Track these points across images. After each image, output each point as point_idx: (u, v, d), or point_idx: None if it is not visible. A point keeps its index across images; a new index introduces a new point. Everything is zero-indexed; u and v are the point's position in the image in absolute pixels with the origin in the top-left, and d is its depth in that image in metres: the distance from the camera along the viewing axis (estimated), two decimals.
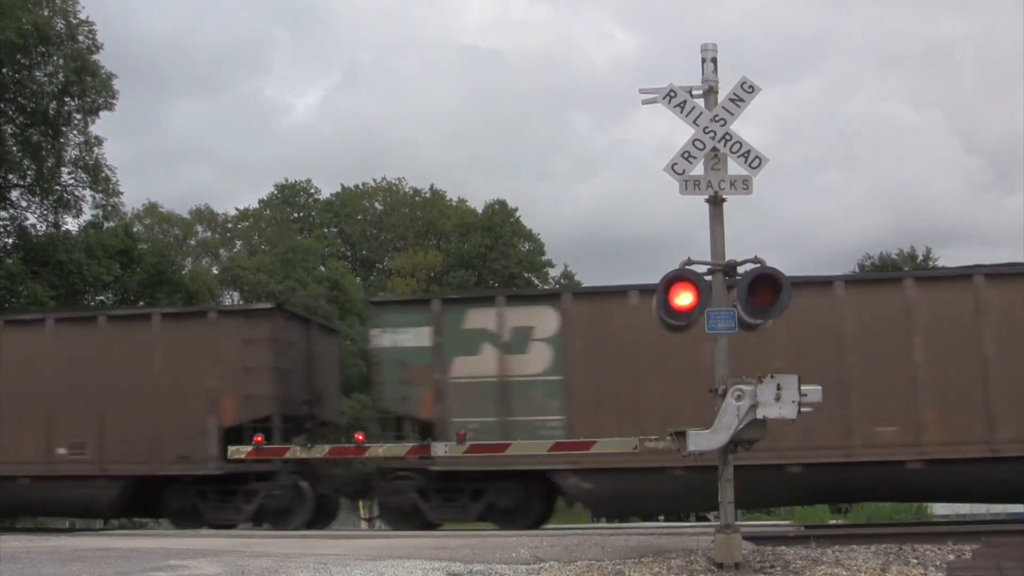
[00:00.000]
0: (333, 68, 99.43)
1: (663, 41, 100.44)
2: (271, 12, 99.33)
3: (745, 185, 9.11)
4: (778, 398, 8.43)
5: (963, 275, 16.27)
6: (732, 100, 9.17)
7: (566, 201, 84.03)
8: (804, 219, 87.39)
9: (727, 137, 9.10)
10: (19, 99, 30.32)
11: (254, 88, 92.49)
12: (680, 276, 8.74)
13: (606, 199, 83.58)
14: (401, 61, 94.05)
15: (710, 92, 9.25)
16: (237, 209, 60.72)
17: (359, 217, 61.10)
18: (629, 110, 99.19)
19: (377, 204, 62.06)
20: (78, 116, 31.29)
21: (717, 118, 9.13)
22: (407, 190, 61.64)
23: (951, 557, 9.36)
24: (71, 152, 31.78)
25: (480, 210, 57.38)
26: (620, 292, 16.62)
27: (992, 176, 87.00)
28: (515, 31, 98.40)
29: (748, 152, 9.08)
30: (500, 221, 55.47)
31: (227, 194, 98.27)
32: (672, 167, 9.13)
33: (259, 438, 11.48)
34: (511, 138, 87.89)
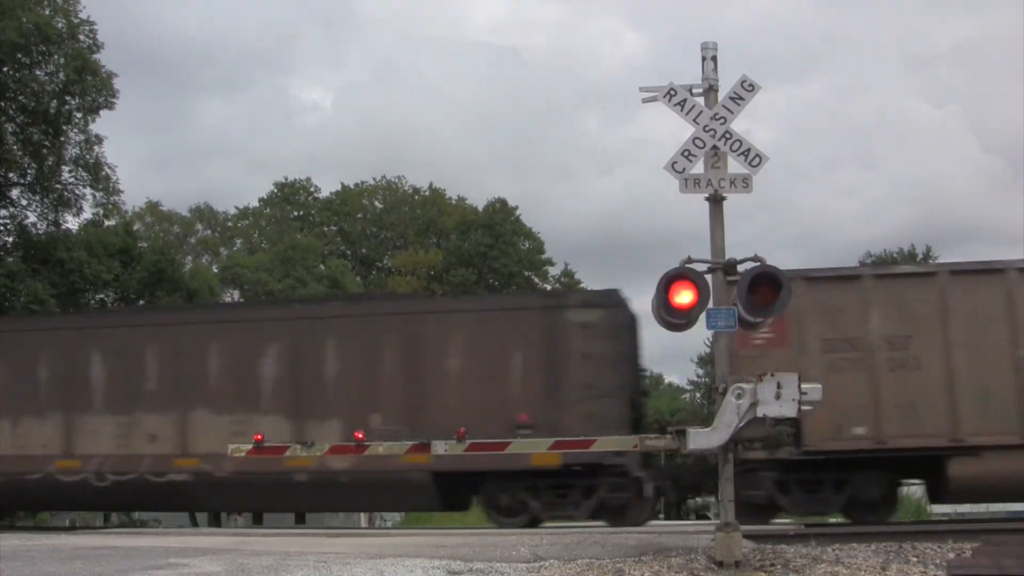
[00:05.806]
0: (349, 67, 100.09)
1: (673, 40, 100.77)
2: (288, 11, 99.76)
3: (745, 183, 9.11)
4: (778, 396, 8.42)
5: None
6: (732, 98, 9.17)
7: (573, 200, 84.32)
8: (823, 216, 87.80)
9: (727, 135, 9.10)
10: (20, 98, 30.26)
11: (275, 86, 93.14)
12: (680, 274, 8.74)
13: (613, 199, 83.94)
14: (413, 59, 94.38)
15: (710, 90, 9.26)
16: (237, 208, 60.78)
17: (359, 215, 61.03)
18: (638, 110, 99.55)
19: (377, 202, 62.00)
20: (79, 115, 31.29)
21: (717, 116, 9.13)
22: (407, 188, 61.63)
23: (951, 555, 9.36)
24: (71, 151, 31.79)
25: (480, 208, 57.36)
26: None
27: (1011, 175, 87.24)
28: (526, 30, 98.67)
29: (748, 150, 9.08)
30: (500, 220, 55.39)
31: (247, 192, 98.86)
32: (672, 165, 9.13)
33: (259, 436, 11.08)
34: (520, 137, 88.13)
